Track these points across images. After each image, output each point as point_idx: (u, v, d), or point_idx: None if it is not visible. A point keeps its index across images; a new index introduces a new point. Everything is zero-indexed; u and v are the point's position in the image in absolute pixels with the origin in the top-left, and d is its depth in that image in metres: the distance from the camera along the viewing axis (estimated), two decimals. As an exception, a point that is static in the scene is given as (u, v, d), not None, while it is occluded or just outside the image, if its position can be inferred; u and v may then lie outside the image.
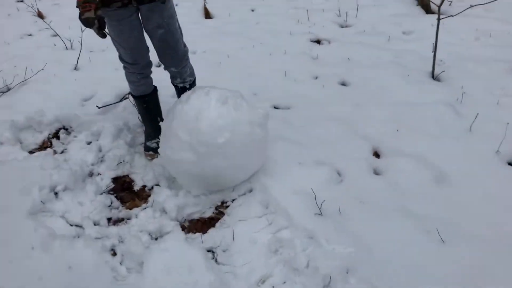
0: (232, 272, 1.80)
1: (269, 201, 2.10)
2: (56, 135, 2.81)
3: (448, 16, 2.89)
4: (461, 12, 2.91)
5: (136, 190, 2.33)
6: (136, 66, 2.32)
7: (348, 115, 2.71)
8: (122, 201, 2.27)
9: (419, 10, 4.29)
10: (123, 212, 2.17)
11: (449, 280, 1.66)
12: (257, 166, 2.21)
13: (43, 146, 2.74)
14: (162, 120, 2.58)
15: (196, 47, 3.84)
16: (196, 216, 2.12)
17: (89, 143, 2.68)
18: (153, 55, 2.38)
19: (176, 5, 4.80)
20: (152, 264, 1.81)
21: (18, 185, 2.20)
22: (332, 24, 4.21)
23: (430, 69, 3.07)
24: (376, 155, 2.40)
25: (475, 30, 3.64)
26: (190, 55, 2.42)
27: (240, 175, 2.16)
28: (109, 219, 2.14)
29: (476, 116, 2.44)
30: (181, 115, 2.04)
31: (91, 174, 2.44)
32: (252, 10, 4.88)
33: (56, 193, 2.24)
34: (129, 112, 2.93)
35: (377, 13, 4.31)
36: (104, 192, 2.30)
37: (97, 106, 2.95)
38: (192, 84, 2.51)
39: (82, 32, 3.70)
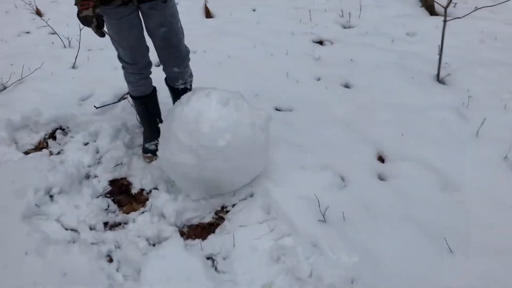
0: (232, 281, 1.74)
1: (271, 206, 2.04)
2: (52, 136, 2.75)
3: (455, 18, 2.83)
4: (468, 14, 2.84)
5: (133, 194, 2.27)
6: (135, 66, 2.26)
7: (351, 117, 2.65)
8: (119, 205, 2.21)
9: (423, 12, 4.24)
10: (120, 216, 2.10)
11: (457, 291, 1.60)
12: (259, 170, 2.15)
13: (39, 147, 2.67)
14: (161, 121, 2.53)
15: (197, 47, 3.77)
16: (195, 221, 2.05)
17: (86, 144, 2.61)
18: (153, 55, 2.31)
19: (177, 3, 4.74)
20: (150, 271, 1.75)
21: (12, 187, 2.13)
22: (334, 24, 4.15)
23: (435, 71, 3.02)
24: (381, 159, 2.34)
25: (480, 32, 3.58)
26: (190, 55, 2.36)
27: (241, 179, 2.10)
28: (105, 224, 2.08)
29: (483, 121, 2.38)
30: (181, 116, 1.98)
31: (87, 176, 2.37)
32: (253, 10, 4.82)
33: (51, 196, 2.17)
34: (128, 112, 2.86)
35: (380, 14, 4.25)
36: (100, 195, 2.23)
37: (94, 106, 2.88)
38: (191, 85, 2.44)
39: (80, 30, 3.63)
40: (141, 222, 2.04)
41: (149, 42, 2.23)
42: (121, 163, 2.45)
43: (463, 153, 2.27)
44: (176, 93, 2.41)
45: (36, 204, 2.09)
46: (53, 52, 3.91)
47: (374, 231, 1.86)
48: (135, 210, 2.15)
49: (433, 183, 2.10)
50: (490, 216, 1.88)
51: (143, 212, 2.12)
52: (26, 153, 2.60)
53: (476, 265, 1.66)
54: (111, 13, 2.01)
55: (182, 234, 1.99)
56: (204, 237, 1.96)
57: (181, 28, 2.23)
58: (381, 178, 2.20)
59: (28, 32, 4.53)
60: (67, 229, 2.03)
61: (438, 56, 2.95)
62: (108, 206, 2.18)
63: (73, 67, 3.59)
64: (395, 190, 2.08)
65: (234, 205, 2.12)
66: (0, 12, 5.18)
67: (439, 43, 2.91)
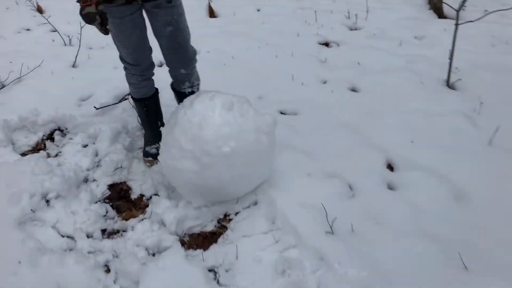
0: (235, 295, 1.66)
1: (276, 215, 1.96)
2: (50, 137, 2.67)
3: (467, 22, 2.74)
4: (480, 18, 2.75)
5: (133, 199, 2.19)
6: (137, 67, 2.18)
7: (359, 123, 2.56)
8: (118, 211, 2.13)
9: (431, 14, 4.16)
10: (118, 223, 2.02)
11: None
12: (263, 177, 2.07)
13: (37, 148, 2.59)
14: (163, 124, 2.45)
15: (200, 47, 3.69)
16: (196, 230, 1.97)
17: (85, 146, 2.54)
18: (155, 57, 2.23)
19: (180, 2, 4.66)
20: (149, 283, 1.67)
21: (7, 192, 2.05)
22: (340, 26, 4.07)
23: (445, 76, 2.93)
24: (390, 167, 2.25)
25: (491, 36, 3.50)
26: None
27: (245, 187, 2.02)
28: (103, 231, 2.00)
29: (496, 129, 2.30)
30: (184, 121, 1.90)
31: (86, 180, 2.29)
32: (258, 10, 4.74)
33: (47, 201, 2.09)
34: (128, 114, 2.78)
35: (387, 16, 4.17)
36: (99, 201, 2.15)
37: (94, 107, 2.80)
38: (199, 89, 2.36)
39: (81, 28, 3.56)
40: (140, 230, 1.95)
41: (152, 42, 2.14)
42: (121, 167, 2.37)
43: (475, 162, 2.18)
44: (183, 98, 2.29)
45: (31, 210, 2.01)
46: (53, 50, 3.83)
47: (384, 245, 1.77)
48: (134, 217, 2.07)
49: (445, 194, 2.02)
50: (506, 232, 1.79)
51: (142, 219, 2.04)
52: (23, 154, 2.53)
53: (493, 284, 1.58)
54: (113, 12, 1.93)
55: (183, 243, 1.91)
56: (206, 247, 1.87)
57: (188, 27, 2.14)
58: (390, 187, 2.12)
59: (28, 29, 4.45)
60: (63, 236, 1.95)
61: (447, 60, 2.87)
62: (107, 212, 2.10)
63: (73, 66, 3.51)
64: (405, 201, 1.99)
65: (237, 213, 2.04)
66: (1, 9, 5.10)
67: (449, 46, 2.83)
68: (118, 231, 1.99)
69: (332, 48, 3.67)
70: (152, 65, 2.25)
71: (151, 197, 2.14)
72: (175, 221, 1.94)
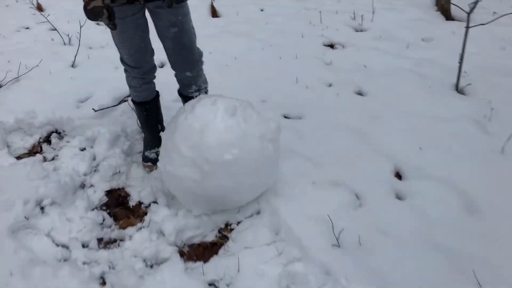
0: (236, 311, 1.58)
1: (279, 226, 1.88)
2: (47, 139, 2.59)
3: (478, 25, 2.66)
4: (493, 21, 2.67)
5: (131, 206, 2.11)
6: (138, 70, 2.10)
7: (365, 128, 2.48)
8: (116, 219, 2.05)
9: (438, 16, 4.07)
10: (116, 232, 1.94)
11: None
12: (267, 186, 1.99)
13: (33, 151, 2.51)
14: (163, 128, 2.37)
15: (202, 48, 3.56)
16: (197, 240, 1.89)
17: (82, 149, 2.46)
18: (156, 59, 2.15)
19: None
20: (146, 298, 1.59)
21: (0, 198, 1.97)
22: (346, 27, 3.98)
23: (453, 80, 2.85)
24: (398, 175, 2.17)
25: (501, 39, 3.41)
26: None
27: (247, 196, 1.94)
28: (100, 240, 1.92)
29: (510, 137, 2.21)
30: (184, 127, 1.82)
31: (82, 186, 2.22)
32: (261, 10, 4.66)
33: (42, 208, 2.01)
34: (128, 116, 2.70)
35: (394, 18, 4.08)
36: (96, 208, 2.07)
37: (93, 109, 2.72)
38: (207, 93, 2.27)
39: (80, 27, 3.48)
40: (138, 239, 1.88)
41: (155, 44, 2.06)
42: (119, 172, 2.29)
43: (487, 171, 2.10)
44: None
45: (25, 217, 1.94)
46: (52, 49, 3.75)
47: (393, 259, 1.69)
48: (132, 225, 1.99)
49: (457, 205, 1.94)
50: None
51: (140, 228, 1.96)
52: (19, 158, 2.45)
53: (509, 303, 1.50)
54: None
55: (182, 254, 1.82)
56: (206, 259, 1.79)
57: (193, 28, 2.06)
58: (398, 196, 2.03)
59: (27, 28, 4.37)
60: (58, 245, 1.87)
61: (456, 63, 2.78)
62: (104, 220, 2.02)
63: (72, 66, 3.44)
64: (415, 212, 1.91)
65: (239, 222, 1.96)
66: (0, 6, 5.02)
67: (457, 49, 2.75)
68: (115, 240, 1.91)
69: (337, 49, 3.59)
70: (153, 68, 2.18)
71: (149, 205, 2.06)
72: (175, 231, 1.86)
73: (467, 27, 2.63)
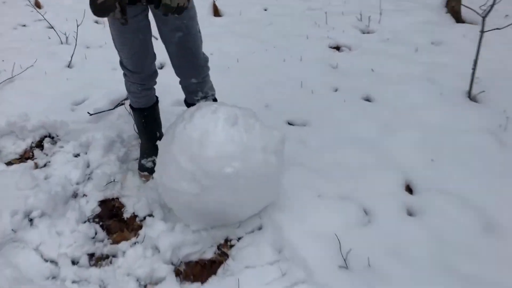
0: None
1: (283, 244, 1.76)
2: (40, 144, 2.47)
3: (494, 29, 2.53)
4: (509, 25, 2.54)
5: (125, 219, 1.99)
6: (138, 75, 1.98)
7: (374, 137, 2.36)
8: (109, 232, 1.93)
9: (448, 18, 3.93)
10: (108, 247, 1.82)
11: None
12: (269, 199, 1.87)
13: (24, 157, 2.40)
14: (161, 135, 2.25)
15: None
16: (194, 258, 1.77)
17: (76, 155, 2.34)
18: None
19: None
20: (138, 323, 1.47)
21: (-14, 209, 1.86)
22: (352, 29, 3.85)
23: (466, 87, 2.71)
24: (409, 189, 2.05)
25: (515, 44, 3.28)
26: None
27: (249, 211, 1.82)
28: (91, 255, 1.80)
29: (528, 150, 2.09)
30: (183, 136, 1.70)
31: (75, 195, 2.10)
32: (265, 9, 4.53)
33: (31, 220, 1.90)
34: (125, 121, 2.59)
35: (402, 20, 3.94)
36: (88, 220, 1.96)
37: (88, 113, 2.60)
38: (214, 100, 2.15)
39: (77, 26, 3.36)
40: (132, 256, 1.76)
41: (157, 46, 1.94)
42: (114, 181, 2.17)
43: (505, 186, 1.97)
44: None
45: (12, 230, 1.83)
46: (48, 49, 3.63)
47: (404, 282, 1.57)
48: (126, 240, 1.87)
49: (472, 223, 1.81)
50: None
51: (135, 243, 1.84)
52: (9, 163, 2.34)
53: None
54: None
55: (178, 273, 1.71)
56: (204, 280, 1.67)
57: (200, 32, 1.94)
58: (410, 213, 1.91)
59: (24, 25, 4.26)
60: (46, 261, 1.76)
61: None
62: (96, 234, 1.90)
63: (68, 66, 3.32)
64: (427, 230, 1.79)
65: (239, 238, 1.84)
66: (-3, 3, 4.92)
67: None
68: (107, 257, 1.79)
69: (344, 52, 3.46)
70: (154, 73, 2.06)
71: (145, 218, 1.94)
72: (171, 247, 1.74)
73: (482, 32, 2.50)
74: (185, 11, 1.74)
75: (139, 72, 1.98)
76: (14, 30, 4.13)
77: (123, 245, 1.83)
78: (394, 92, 2.78)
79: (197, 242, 1.80)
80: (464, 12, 3.87)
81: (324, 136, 2.38)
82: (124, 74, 2.04)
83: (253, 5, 4.58)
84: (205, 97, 2.09)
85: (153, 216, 1.93)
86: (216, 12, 4.43)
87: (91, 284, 1.65)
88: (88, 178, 2.20)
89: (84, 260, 1.76)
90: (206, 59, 2.03)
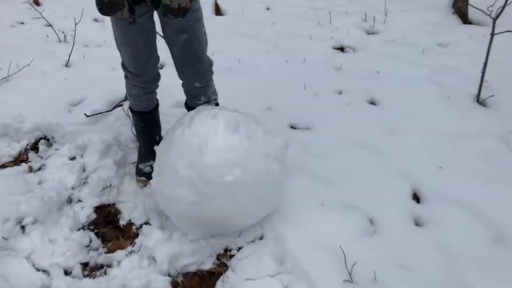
0: None
1: (285, 255, 1.68)
2: (35, 146, 2.40)
3: (505, 32, 2.45)
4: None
5: (121, 226, 1.92)
6: (139, 78, 1.91)
7: (379, 143, 2.28)
8: (104, 240, 1.86)
9: (454, 19, 3.84)
10: (103, 256, 1.75)
11: None
12: (271, 208, 1.79)
13: (19, 159, 2.32)
14: (160, 139, 2.18)
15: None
16: (192, 268, 1.70)
17: (72, 158, 2.27)
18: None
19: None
20: None
21: (-24, 215, 1.79)
22: (357, 29, 3.77)
23: (474, 91, 2.63)
24: (416, 198, 1.97)
25: (525, 46, 3.19)
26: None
27: (250, 220, 1.75)
28: (85, 265, 1.73)
29: (540, 158, 2.02)
30: (181, 142, 1.62)
31: (70, 201, 2.03)
32: (268, 9, 4.45)
33: (23, 227, 1.83)
34: (122, 123, 2.51)
35: (407, 20, 3.86)
36: (83, 227, 1.88)
37: (85, 115, 2.53)
38: (216, 105, 2.09)
39: (75, 24, 3.28)
40: (127, 266, 1.68)
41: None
42: (110, 186, 2.10)
43: (516, 196, 1.90)
44: None
45: (3, 237, 1.76)
46: (46, 47, 3.56)
47: (413, 299, 1.50)
48: (122, 248, 1.80)
49: (483, 235, 1.74)
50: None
51: (131, 252, 1.77)
52: (3, 166, 2.26)
53: None
54: None
55: (175, 285, 1.63)
56: (202, 293, 1.60)
57: (205, 34, 1.87)
58: (417, 223, 1.84)
59: (22, 23, 4.18)
60: (38, 270, 1.69)
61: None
62: (90, 242, 1.83)
63: (66, 65, 3.24)
64: (436, 242, 1.71)
65: (239, 248, 1.76)
66: (-4, 0, 4.83)
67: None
68: (101, 267, 1.72)
69: (348, 53, 3.38)
70: (157, 77, 1.99)
71: (141, 226, 1.87)
72: (168, 258, 1.67)
73: (492, 34, 2.42)
74: (191, 13, 1.68)
75: (141, 75, 1.91)
76: (12, 28, 4.06)
77: (119, 254, 1.76)
78: (400, 95, 2.70)
79: (195, 252, 1.73)
80: (471, 13, 3.79)
81: (328, 141, 2.30)
82: (126, 76, 1.97)
83: (256, 4, 4.49)
84: (207, 102, 2.03)
85: (150, 224, 1.86)
86: (218, 11, 4.35)
87: (84, 297, 1.57)
88: (84, 183, 2.13)
89: (77, 270, 1.68)
90: (210, 63, 1.96)
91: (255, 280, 1.61)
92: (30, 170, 2.22)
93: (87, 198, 2.03)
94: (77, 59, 3.31)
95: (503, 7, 2.37)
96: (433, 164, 2.12)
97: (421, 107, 2.56)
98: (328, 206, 1.87)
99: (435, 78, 2.88)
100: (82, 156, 2.26)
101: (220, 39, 3.62)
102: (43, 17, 3.84)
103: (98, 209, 2.00)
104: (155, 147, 1.82)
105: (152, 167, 2.05)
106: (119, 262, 1.72)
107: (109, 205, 2.03)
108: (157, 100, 2.15)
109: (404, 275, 1.58)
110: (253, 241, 1.78)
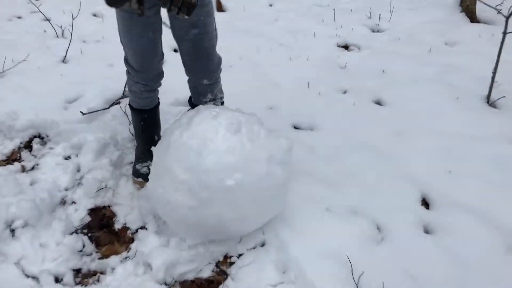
0: None
1: (288, 263, 1.60)
2: (29, 145, 2.31)
3: (518, 31, 2.36)
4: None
5: (116, 230, 1.83)
6: (142, 75, 1.83)
7: (386, 145, 2.19)
8: (98, 244, 1.77)
9: (462, 18, 3.75)
10: (96, 263, 1.67)
11: None
12: (273, 213, 1.71)
13: (11, 158, 2.24)
14: (159, 139, 2.09)
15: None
16: (190, 277, 1.62)
17: (67, 158, 2.18)
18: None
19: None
20: None
21: (-36, 218, 1.71)
22: (362, 27, 3.68)
23: (484, 92, 2.55)
24: (425, 203, 1.89)
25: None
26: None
27: (251, 226, 1.66)
28: (77, 271, 1.64)
29: (555, 163, 1.93)
30: (179, 145, 1.54)
31: (63, 202, 1.94)
32: (270, 5, 4.36)
33: (12, 230, 1.74)
34: (119, 121, 2.42)
35: (413, 18, 3.77)
36: (76, 231, 1.80)
37: (81, 112, 2.44)
38: (222, 104, 2.02)
39: (73, 19, 3.19)
40: (121, 273, 1.60)
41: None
42: (106, 187, 2.01)
43: (531, 203, 1.81)
44: None
45: (-8, 241, 1.67)
46: (43, 42, 3.45)
47: (423, 312, 1.42)
48: (116, 254, 1.72)
49: (495, 243, 1.66)
50: None
51: (125, 258, 1.68)
52: (-5, 166, 2.17)
53: None
54: None
55: (172, 294, 1.55)
56: (200, 303, 1.52)
57: (216, 30, 1.79)
58: (427, 230, 1.75)
59: (20, 17, 4.08)
60: (28, 276, 1.60)
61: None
62: (84, 247, 1.75)
63: (63, 61, 3.15)
64: (446, 250, 1.63)
65: (240, 255, 1.68)
66: (-7, -7, 4.74)
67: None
68: (94, 273, 1.64)
69: (353, 51, 3.29)
70: (160, 75, 1.91)
71: (137, 231, 1.79)
72: (164, 265, 1.58)
73: (505, 33, 2.32)
74: (203, 7, 1.61)
75: (144, 71, 1.83)
76: (9, 22, 3.96)
77: (113, 260, 1.68)
78: (407, 95, 2.61)
79: (193, 259, 1.64)
80: (479, 11, 3.70)
81: (333, 142, 2.22)
82: (128, 72, 1.89)
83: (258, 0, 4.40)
84: (213, 100, 1.96)
85: (146, 229, 1.78)
86: (219, 7, 4.26)
87: (75, 306, 1.49)
88: (78, 184, 2.04)
89: (69, 277, 1.60)
90: (219, 59, 1.90)
91: (256, 290, 1.53)
92: (23, 169, 2.13)
93: (81, 200, 1.94)
94: (74, 55, 3.22)
95: (517, 5, 2.28)
96: (442, 168, 2.03)
97: (429, 107, 2.48)
98: (334, 211, 1.79)
99: (443, 78, 2.78)
100: (77, 156, 2.18)
101: (221, 36, 3.50)
102: (40, 11, 3.74)
103: (93, 211, 1.92)
104: (153, 148, 1.73)
105: (149, 168, 1.97)
106: (113, 269, 1.64)
107: (104, 207, 1.94)
108: (158, 98, 2.07)
109: (412, 285, 1.50)
110: (254, 248, 1.69)
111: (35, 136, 2.36)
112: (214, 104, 1.97)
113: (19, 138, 2.34)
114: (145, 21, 1.65)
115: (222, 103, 2.03)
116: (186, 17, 1.47)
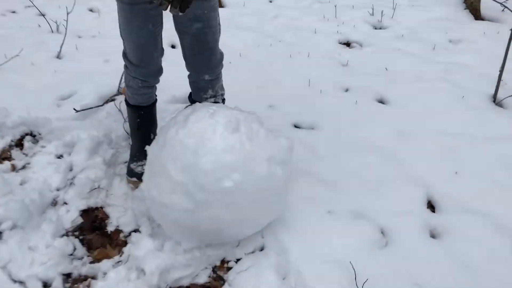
0: None
1: (288, 269, 1.53)
2: (20, 143, 2.23)
3: (527, 27, 2.28)
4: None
5: (109, 232, 1.76)
6: (140, 70, 1.76)
7: (389, 145, 2.12)
8: (89, 247, 1.70)
9: (466, 15, 3.68)
10: (87, 267, 1.59)
11: None
12: (273, 216, 1.64)
13: (1, 157, 2.15)
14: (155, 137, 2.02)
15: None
16: (185, 282, 1.54)
17: (59, 156, 2.10)
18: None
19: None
20: None
21: (-51, 219, 1.63)
22: (364, 24, 3.60)
23: (490, 91, 2.48)
24: (431, 206, 1.82)
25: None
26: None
27: (250, 229, 1.59)
28: (67, 276, 1.57)
29: None
30: (175, 143, 1.46)
31: (54, 203, 1.86)
32: (270, 1, 4.27)
33: (0, 233, 1.66)
34: (114, 119, 2.34)
35: (417, 15, 3.69)
36: (66, 234, 1.72)
37: (74, 109, 2.36)
38: (223, 101, 1.96)
39: (67, 13, 3.11)
40: (113, 279, 1.52)
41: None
42: (99, 187, 1.94)
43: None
44: None
45: (-22, 244, 1.59)
46: (37, 37, 3.37)
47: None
48: (108, 257, 1.64)
49: (504, 248, 1.59)
50: None
51: (118, 263, 1.61)
52: (-16, 164, 2.10)
53: None
54: None
55: (166, 301, 1.48)
56: (195, 311, 1.45)
57: (220, 24, 1.74)
58: (432, 234, 1.68)
59: (14, 12, 3.99)
60: (15, 281, 1.53)
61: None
62: (75, 250, 1.67)
63: (57, 57, 3.07)
64: (453, 256, 1.56)
65: (238, 259, 1.61)
66: (-12, -13, 4.65)
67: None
68: (85, 278, 1.56)
69: (355, 49, 3.21)
70: (159, 71, 1.84)
71: (130, 234, 1.71)
72: (158, 270, 1.51)
73: (513, 30, 2.25)
74: (206, 1, 1.56)
75: (143, 66, 1.76)
76: (3, 17, 3.87)
77: (105, 264, 1.60)
78: (410, 94, 2.54)
79: (189, 263, 1.57)
80: (484, 8, 3.63)
81: (335, 142, 2.15)
82: (125, 66, 1.82)
83: (258, -5, 4.32)
84: (214, 96, 1.90)
85: (139, 232, 1.70)
86: (219, 3, 4.17)
87: (64, 313, 1.42)
88: (70, 184, 1.96)
89: (58, 282, 1.52)
90: (222, 54, 1.84)
91: (254, 297, 1.45)
92: (13, 168, 2.05)
93: (73, 201, 1.86)
94: (69, 51, 3.14)
95: (526, 0, 2.21)
96: (448, 169, 1.96)
97: (434, 106, 2.41)
98: (336, 214, 1.72)
99: (447, 76, 2.71)
100: (70, 154, 2.10)
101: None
102: (35, 6, 3.66)
103: (85, 212, 1.84)
104: (147, 147, 1.66)
105: (144, 168, 1.90)
106: (104, 273, 1.56)
107: (96, 208, 1.86)
108: (156, 96, 2.00)
109: (420, 294, 1.43)
110: (252, 252, 1.62)
111: (26, 134, 2.28)
112: (215, 100, 1.90)
113: (10, 135, 2.26)
114: (145, 14, 1.60)
115: (223, 100, 1.97)
116: (181, 13, 1.37)
